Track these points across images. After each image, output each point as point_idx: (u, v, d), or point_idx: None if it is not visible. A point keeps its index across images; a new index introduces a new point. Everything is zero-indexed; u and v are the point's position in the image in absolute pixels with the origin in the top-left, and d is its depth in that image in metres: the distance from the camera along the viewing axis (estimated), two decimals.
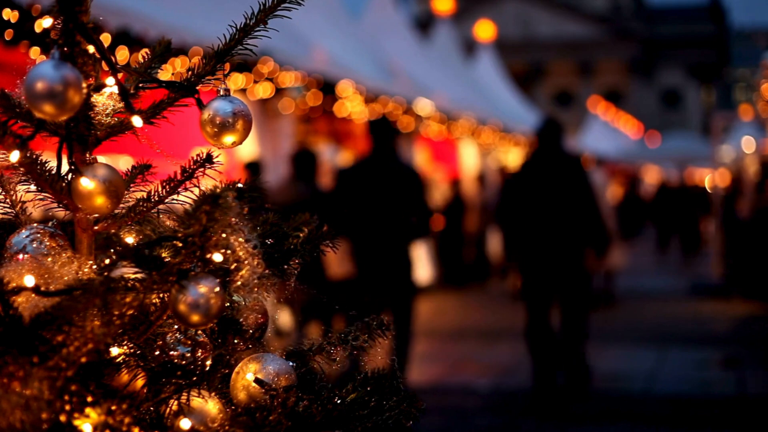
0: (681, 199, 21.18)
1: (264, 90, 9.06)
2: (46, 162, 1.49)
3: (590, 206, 7.02)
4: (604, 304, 12.65)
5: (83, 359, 1.28)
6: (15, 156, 1.44)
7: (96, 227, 1.53)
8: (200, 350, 1.49)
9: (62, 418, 1.28)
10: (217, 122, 1.53)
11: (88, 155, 1.51)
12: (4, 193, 1.63)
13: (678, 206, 20.73)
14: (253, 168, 8.48)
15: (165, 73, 1.66)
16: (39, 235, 1.50)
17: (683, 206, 20.71)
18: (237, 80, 8.28)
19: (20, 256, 1.47)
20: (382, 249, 6.58)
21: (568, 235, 6.96)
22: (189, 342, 1.48)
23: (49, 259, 1.45)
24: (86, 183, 1.45)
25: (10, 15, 5.46)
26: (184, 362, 1.47)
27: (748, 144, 17.07)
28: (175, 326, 1.48)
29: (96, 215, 1.52)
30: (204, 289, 1.33)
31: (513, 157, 20.65)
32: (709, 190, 18.03)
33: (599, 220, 7.16)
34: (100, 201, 1.46)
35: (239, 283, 1.36)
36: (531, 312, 7.12)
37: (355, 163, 7.26)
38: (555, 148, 7.08)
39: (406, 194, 6.59)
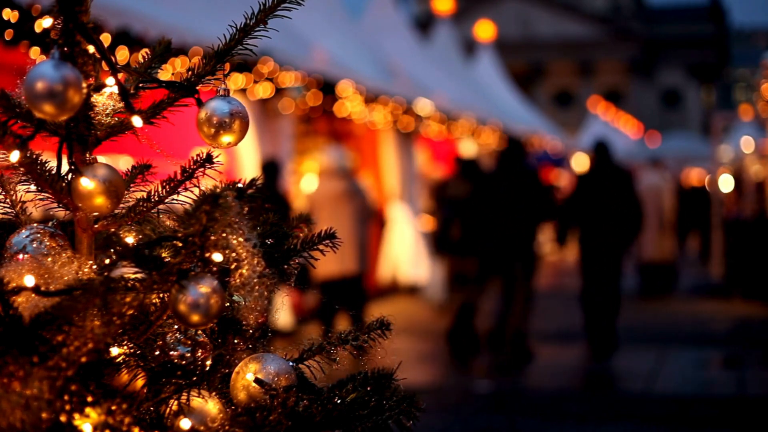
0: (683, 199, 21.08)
1: (264, 90, 9.06)
2: (46, 162, 1.49)
3: (633, 207, 9.41)
4: (664, 293, 13.84)
5: (83, 359, 1.28)
6: (15, 156, 1.44)
7: (96, 227, 1.53)
8: (200, 350, 1.49)
9: (62, 418, 1.28)
10: (214, 122, 1.53)
11: (88, 155, 1.51)
12: (4, 193, 1.63)
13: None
14: (271, 168, 8.56)
15: (165, 73, 1.66)
16: (39, 235, 1.50)
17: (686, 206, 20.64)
18: (237, 80, 8.28)
19: (20, 256, 1.47)
20: (513, 231, 8.80)
21: (614, 227, 9.29)
22: (189, 342, 1.48)
23: (49, 259, 1.45)
24: (86, 183, 1.45)
25: (10, 15, 5.46)
26: (184, 362, 1.47)
27: (747, 144, 17.07)
28: (175, 326, 1.48)
29: (96, 215, 1.52)
30: (204, 289, 1.33)
31: None
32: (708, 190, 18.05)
33: (639, 218, 9.51)
34: (100, 201, 1.46)
35: (239, 281, 1.36)
36: (586, 280, 9.51)
37: (493, 169, 9.58)
38: (606, 162, 9.50)
39: (531, 189, 9.00)
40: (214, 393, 1.50)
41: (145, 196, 1.58)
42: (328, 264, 8.27)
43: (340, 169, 8.68)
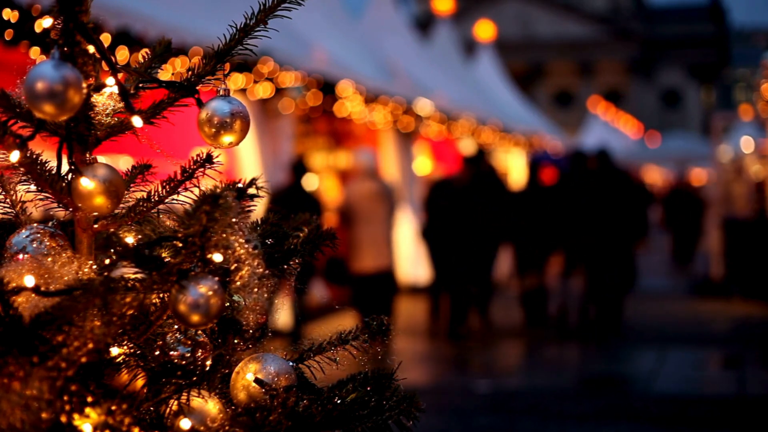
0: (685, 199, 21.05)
1: (264, 90, 9.06)
2: (46, 162, 1.49)
3: (634, 206, 10.54)
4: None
5: (83, 359, 1.28)
6: (15, 156, 1.43)
7: (96, 227, 1.53)
8: (200, 350, 1.49)
9: (62, 418, 1.28)
10: (215, 122, 1.53)
11: (88, 155, 1.51)
12: (4, 193, 1.62)
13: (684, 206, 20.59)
14: (300, 168, 8.98)
15: (165, 73, 1.66)
16: (39, 235, 1.50)
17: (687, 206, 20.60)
18: (237, 80, 8.28)
19: (20, 256, 1.47)
20: (603, 242, 10.51)
21: (614, 225, 10.44)
22: (189, 342, 1.48)
23: (49, 259, 1.45)
24: (86, 183, 1.45)
25: (10, 15, 5.46)
26: (184, 362, 1.47)
27: (746, 144, 17.05)
28: (175, 326, 1.48)
29: (96, 215, 1.52)
30: (204, 289, 1.33)
31: (513, 157, 20.64)
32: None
33: (643, 217, 10.75)
34: (100, 201, 1.46)
35: (239, 283, 1.36)
36: (589, 274, 10.75)
37: (571, 175, 11.45)
38: (607, 166, 10.63)
39: (620, 195, 10.57)
40: (214, 393, 1.50)
41: (145, 196, 1.58)
42: (365, 260, 9.02)
43: (371, 171, 9.21)
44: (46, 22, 1.47)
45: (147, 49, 1.68)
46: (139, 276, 1.35)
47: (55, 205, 1.53)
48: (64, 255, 1.47)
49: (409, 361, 8.75)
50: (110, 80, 1.50)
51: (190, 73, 1.57)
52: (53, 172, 1.49)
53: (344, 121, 12.26)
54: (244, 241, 1.34)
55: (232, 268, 1.35)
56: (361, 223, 9.00)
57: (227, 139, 1.54)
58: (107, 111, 1.52)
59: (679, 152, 30.69)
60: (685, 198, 19.97)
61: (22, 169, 1.48)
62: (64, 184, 1.49)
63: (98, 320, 1.31)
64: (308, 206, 8.67)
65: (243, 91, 8.72)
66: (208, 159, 1.57)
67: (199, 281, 1.33)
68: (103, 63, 1.49)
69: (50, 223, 1.55)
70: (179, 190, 1.57)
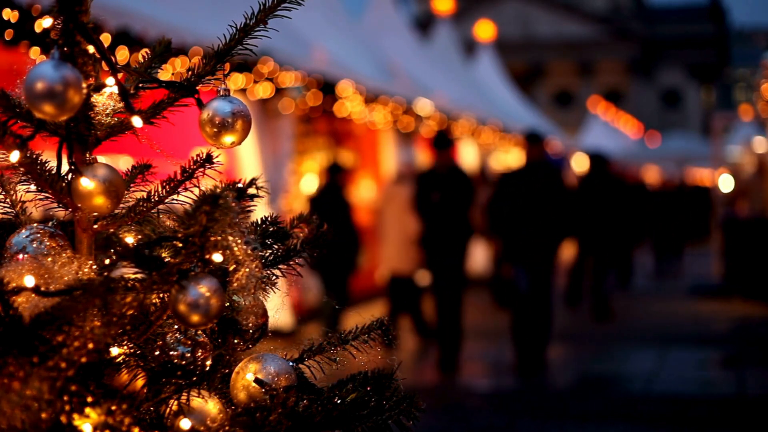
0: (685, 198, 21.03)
1: (264, 90, 9.05)
2: (46, 162, 1.48)
3: (632, 208, 12.22)
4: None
5: (83, 359, 1.27)
6: (15, 156, 1.43)
7: (96, 227, 1.53)
8: (200, 350, 1.49)
9: (62, 418, 1.28)
10: (216, 122, 1.53)
11: (88, 155, 1.51)
12: (4, 193, 1.62)
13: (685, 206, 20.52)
14: (336, 169, 9.29)
15: (165, 73, 1.66)
16: (39, 235, 1.50)
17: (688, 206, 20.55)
18: (237, 80, 8.28)
19: (20, 256, 1.47)
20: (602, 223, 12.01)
21: (612, 226, 11.79)
22: (189, 342, 1.48)
23: (49, 259, 1.45)
24: (86, 183, 1.45)
25: (10, 15, 5.46)
26: (184, 362, 1.47)
27: (759, 144, 17.06)
28: (175, 326, 1.48)
29: (96, 215, 1.51)
30: (204, 289, 1.33)
31: (513, 157, 20.64)
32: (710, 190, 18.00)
33: (642, 219, 12.85)
34: (100, 201, 1.46)
35: (236, 285, 1.36)
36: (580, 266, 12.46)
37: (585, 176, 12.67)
38: (602, 171, 11.86)
39: (620, 196, 12.12)
40: (214, 393, 1.50)
41: (145, 196, 1.58)
42: (383, 262, 9.34)
43: (400, 175, 9.66)
44: (46, 22, 1.47)
45: (147, 49, 1.68)
46: (139, 276, 1.35)
47: (55, 205, 1.53)
48: (64, 255, 1.47)
49: (409, 361, 8.75)
50: (110, 80, 1.50)
51: (190, 73, 1.57)
52: (53, 172, 1.49)
53: (344, 121, 12.25)
54: (242, 242, 1.34)
55: (231, 269, 1.35)
56: (381, 226, 9.46)
57: (229, 138, 1.54)
58: (107, 111, 1.52)
59: (679, 152, 30.67)
60: (688, 198, 19.89)
61: (22, 169, 1.48)
62: (64, 184, 1.49)
63: (98, 320, 1.31)
64: (341, 206, 8.91)
65: (243, 91, 8.72)
66: (208, 159, 1.57)
67: (199, 281, 1.33)
68: (103, 63, 1.49)
69: (50, 223, 1.54)
70: (179, 190, 1.57)
